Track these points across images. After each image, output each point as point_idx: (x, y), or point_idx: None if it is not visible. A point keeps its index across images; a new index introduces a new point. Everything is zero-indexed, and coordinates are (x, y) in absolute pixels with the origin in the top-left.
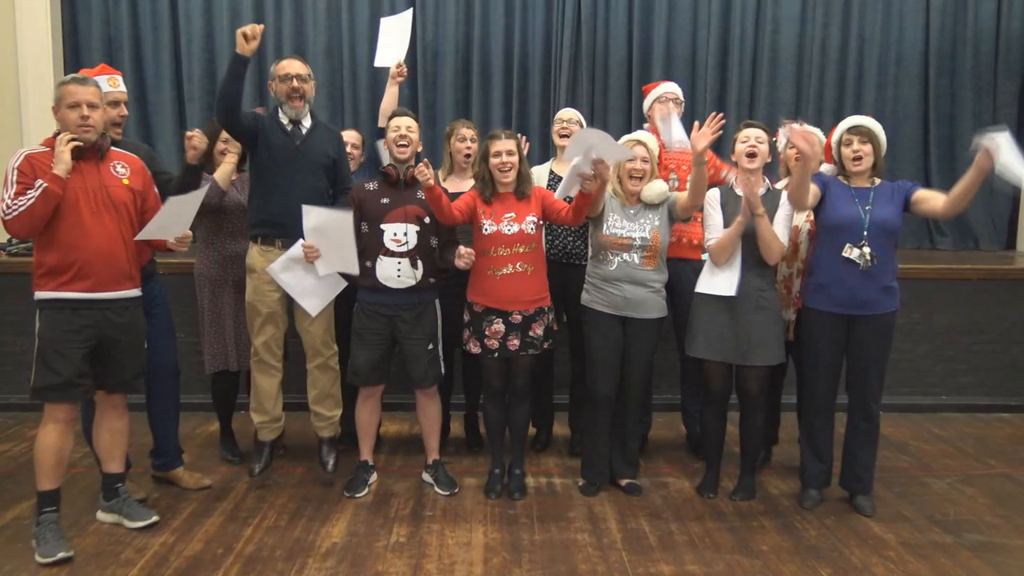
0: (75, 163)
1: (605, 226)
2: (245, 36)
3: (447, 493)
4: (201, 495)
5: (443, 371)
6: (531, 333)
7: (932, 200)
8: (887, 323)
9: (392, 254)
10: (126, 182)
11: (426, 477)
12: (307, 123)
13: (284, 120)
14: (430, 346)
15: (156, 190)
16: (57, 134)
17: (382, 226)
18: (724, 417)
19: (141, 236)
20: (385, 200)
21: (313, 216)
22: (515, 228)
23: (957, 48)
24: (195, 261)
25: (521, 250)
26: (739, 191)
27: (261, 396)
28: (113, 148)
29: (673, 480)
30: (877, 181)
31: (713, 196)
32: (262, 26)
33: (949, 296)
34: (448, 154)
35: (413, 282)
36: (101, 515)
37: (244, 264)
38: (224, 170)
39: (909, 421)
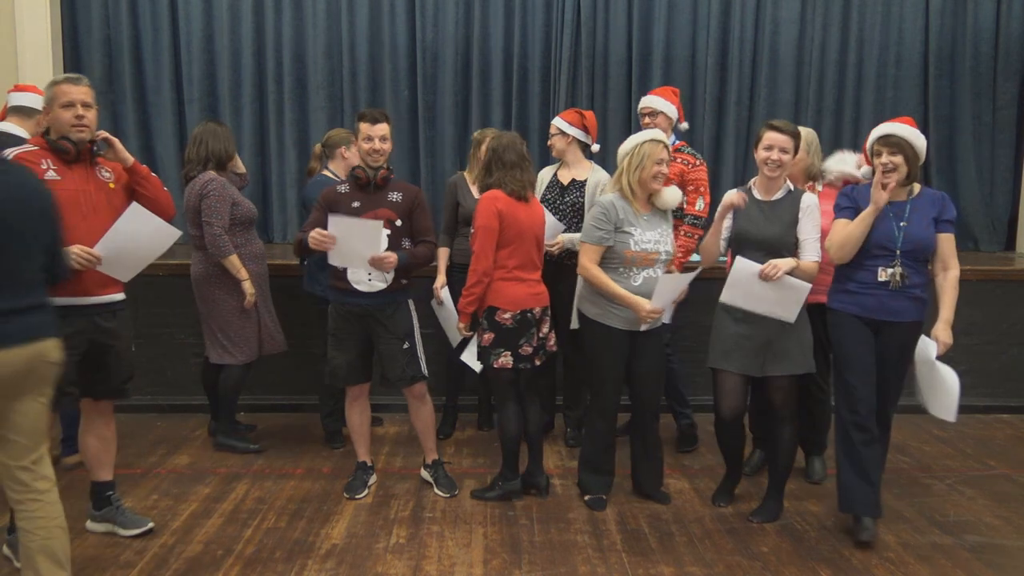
0: (68, 167)
1: (632, 242)
2: None
3: (447, 495)
4: (200, 495)
5: (424, 371)
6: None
7: (942, 263)
8: (913, 332)
9: None
10: (112, 185)
11: (424, 475)
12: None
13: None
14: (405, 345)
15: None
16: (46, 133)
17: None
18: (740, 435)
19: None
20: (356, 204)
21: (339, 224)
22: None
23: (956, 49)
24: (193, 263)
25: None
26: (758, 194)
27: None
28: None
29: (673, 481)
30: (916, 188)
31: (725, 206)
32: None
33: None
34: (475, 159)
35: (384, 285)
36: (91, 525)
37: (261, 258)
38: None
39: (909, 422)
